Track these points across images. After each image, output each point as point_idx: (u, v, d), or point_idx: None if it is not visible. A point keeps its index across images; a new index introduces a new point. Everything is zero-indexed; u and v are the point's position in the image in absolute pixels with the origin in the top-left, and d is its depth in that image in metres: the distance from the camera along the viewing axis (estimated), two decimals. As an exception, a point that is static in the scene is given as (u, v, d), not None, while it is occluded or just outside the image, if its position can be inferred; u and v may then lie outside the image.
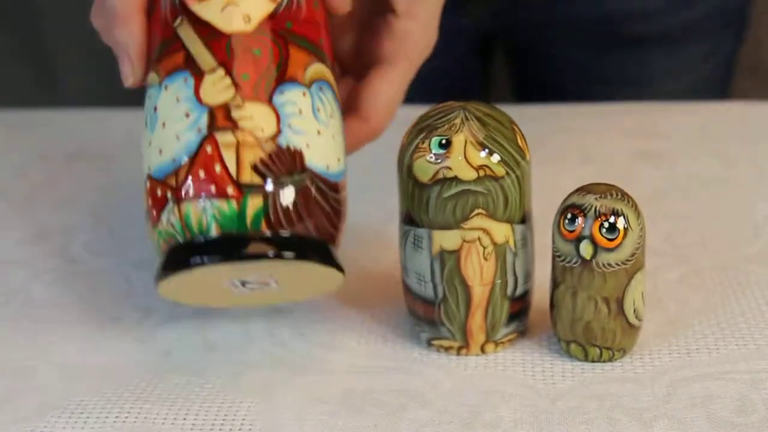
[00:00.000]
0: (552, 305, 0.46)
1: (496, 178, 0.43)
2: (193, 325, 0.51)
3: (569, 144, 0.69)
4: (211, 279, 0.43)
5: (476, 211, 0.43)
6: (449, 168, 0.43)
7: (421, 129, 0.44)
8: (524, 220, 0.45)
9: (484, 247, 0.44)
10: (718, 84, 0.83)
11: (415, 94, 0.72)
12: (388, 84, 0.50)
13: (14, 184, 0.69)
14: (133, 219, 0.63)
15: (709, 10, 0.77)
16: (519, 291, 0.46)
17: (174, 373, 0.47)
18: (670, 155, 0.67)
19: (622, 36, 0.78)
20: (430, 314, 0.46)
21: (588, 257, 0.43)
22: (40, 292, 0.55)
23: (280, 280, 0.44)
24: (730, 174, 0.64)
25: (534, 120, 0.61)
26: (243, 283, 0.44)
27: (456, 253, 0.44)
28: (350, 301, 0.52)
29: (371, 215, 0.61)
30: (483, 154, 0.43)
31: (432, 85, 0.70)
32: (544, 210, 0.49)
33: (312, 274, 0.44)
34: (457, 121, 0.43)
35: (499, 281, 0.45)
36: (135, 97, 0.87)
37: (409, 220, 0.45)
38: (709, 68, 0.81)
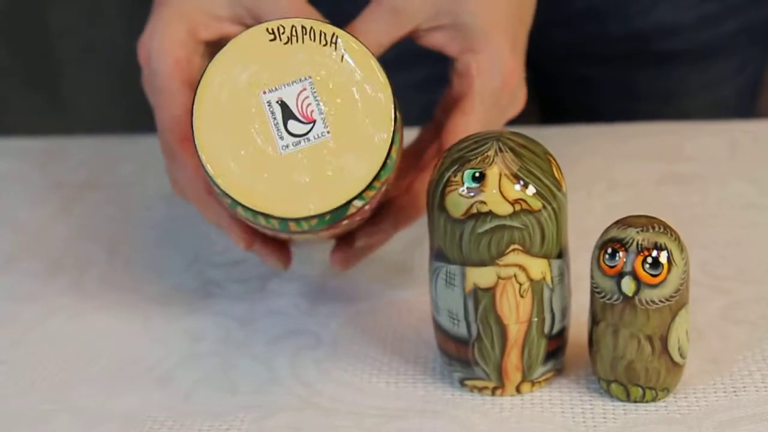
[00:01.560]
0: (591, 343, 0.44)
1: (532, 212, 0.41)
2: (214, 364, 0.49)
3: (595, 168, 0.68)
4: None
5: (512, 247, 0.41)
6: (483, 202, 0.41)
7: (453, 161, 0.42)
8: (561, 254, 0.43)
9: (520, 284, 0.42)
10: (747, 98, 0.81)
11: (426, 120, 0.71)
12: (462, 115, 0.49)
13: (26, 215, 0.67)
14: (149, 251, 0.61)
15: (738, 26, 0.76)
16: (556, 328, 0.44)
17: (196, 417, 0.45)
18: (699, 179, 0.65)
19: (651, 53, 0.76)
20: (463, 353, 0.44)
21: (630, 294, 0.41)
22: (54, 330, 0.53)
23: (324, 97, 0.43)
24: (764, 198, 0.62)
25: (557, 142, 0.60)
26: (285, 116, 0.43)
27: (491, 290, 0.42)
28: (378, 338, 0.50)
29: (395, 243, 0.59)
30: (518, 187, 0.41)
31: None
32: (573, 239, 0.47)
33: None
34: (491, 152, 0.41)
35: (535, 319, 0.43)
36: (146, 123, 0.86)
37: (441, 256, 0.43)
38: (739, 83, 0.79)
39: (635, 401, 0.43)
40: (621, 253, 0.41)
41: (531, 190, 0.41)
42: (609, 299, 0.42)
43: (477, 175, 0.41)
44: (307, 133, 0.42)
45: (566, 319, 0.44)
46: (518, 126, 0.53)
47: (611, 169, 0.68)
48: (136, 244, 0.62)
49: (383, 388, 0.46)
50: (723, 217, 0.60)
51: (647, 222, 0.42)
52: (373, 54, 0.43)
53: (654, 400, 0.43)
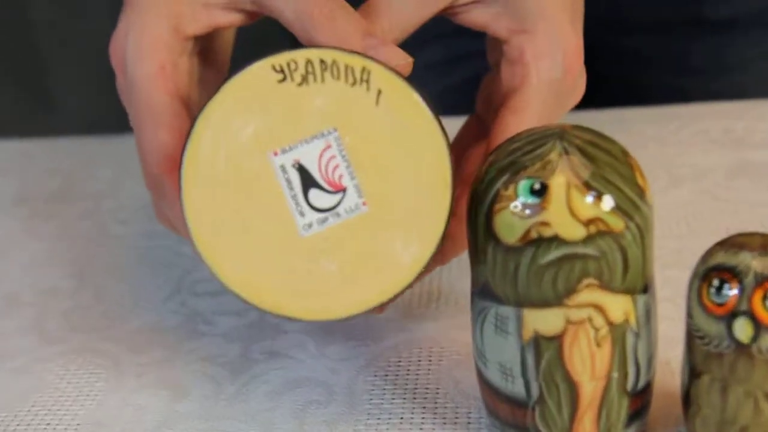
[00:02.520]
0: (688, 401, 0.33)
1: (612, 234, 0.31)
2: (198, 430, 0.39)
3: (651, 160, 0.57)
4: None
5: (585, 282, 0.31)
6: (546, 223, 0.30)
7: (503, 168, 0.31)
8: (647, 287, 0.33)
9: (597, 330, 0.32)
10: None
11: (455, 104, 0.61)
12: (514, 114, 0.38)
13: (-19, 236, 0.58)
14: (124, 278, 0.51)
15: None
16: (641, 383, 0.33)
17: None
18: (778, 168, 0.55)
19: (707, 20, 0.66)
20: (520, 418, 0.34)
21: (746, 340, 0.31)
22: (3, 385, 0.43)
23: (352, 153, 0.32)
24: None
25: (600, 129, 0.49)
26: (305, 184, 0.32)
27: (557, 339, 0.32)
28: (404, 389, 0.40)
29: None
30: (591, 199, 0.30)
31: (458, 98, 0.60)
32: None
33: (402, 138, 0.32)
34: (554, 155, 0.31)
35: (616, 374, 0.32)
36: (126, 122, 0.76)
37: (489, 294, 0.32)
38: None
39: (749, 475, 0.33)
40: (732, 286, 0.31)
41: (608, 203, 0.31)
42: (716, 347, 0.31)
43: (537, 186, 0.30)
44: (336, 205, 0.32)
45: (652, 369, 0.34)
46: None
47: (669, 159, 0.57)
48: (108, 270, 0.52)
49: (415, 459, 0.36)
50: (817, 217, 0.49)
51: (765, 241, 0.31)
52: (415, 88, 0.32)
53: (773, 473, 0.33)
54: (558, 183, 0.30)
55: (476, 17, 0.41)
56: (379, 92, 0.32)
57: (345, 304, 0.33)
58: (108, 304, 0.49)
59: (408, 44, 0.45)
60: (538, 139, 0.32)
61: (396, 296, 0.33)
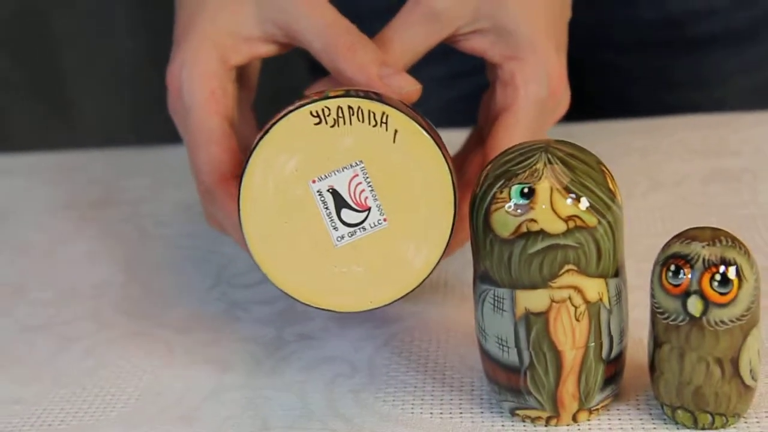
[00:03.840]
0: (653, 367, 0.40)
1: (587, 229, 0.38)
2: (243, 399, 0.46)
3: (633, 168, 0.64)
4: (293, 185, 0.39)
5: (566, 268, 0.38)
6: (534, 220, 0.37)
7: (498, 176, 0.38)
8: (618, 272, 0.40)
9: (576, 307, 0.38)
10: None
11: (457, 115, 0.67)
12: (505, 129, 0.45)
13: (35, 237, 0.64)
14: (168, 272, 0.58)
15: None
16: (614, 352, 0.40)
17: (227, 458, 0.42)
18: (747, 175, 0.62)
19: (686, 37, 0.72)
20: (514, 382, 0.40)
21: (697, 314, 0.38)
22: (70, 364, 0.50)
23: (377, 184, 0.39)
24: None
25: (588, 140, 0.56)
26: (337, 205, 0.39)
27: (544, 315, 0.39)
28: (417, 364, 0.47)
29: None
30: (570, 201, 0.37)
31: (461, 110, 0.66)
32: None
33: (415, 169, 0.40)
34: (540, 165, 0.38)
35: (593, 344, 0.39)
36: (153, 131, 0.82)
37: (488, 279, 0.39)
38: None
39: (703, 428, 0.40)
40: (685, 271, 0.38)
41: (584, 204, 0.38)
42: (674, 320, 0.38)
43: (526, 190, 0.37)
44: (363, 221, 0.39)
45: (624, 341, 0.41)
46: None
47: (650, 167, 0.64)
48: (154, 266, 0.59)
49: (427, 419, 0.43)
50: (778, 217, 0.56)
51: (713, 235, 0.38)
52: (424, 126, 0.40)
53: (724, 426, 0.40)
54: (543, 187, 0.37)
55: (474, 45, 0.48)
56: (396, 132, 0.39)
57: (370, 299, 0.40)
58: (156, 295, 0.56)
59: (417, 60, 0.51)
60: (526, 152, 0.39)
61: (410, 292, 0.40)
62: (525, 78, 0.46)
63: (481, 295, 0.40)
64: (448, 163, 0.39)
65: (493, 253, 0.39)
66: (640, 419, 0.41)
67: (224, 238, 0.57)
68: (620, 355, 0.41)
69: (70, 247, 0.63)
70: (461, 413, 0.43)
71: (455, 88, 0.78)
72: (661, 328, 0.39)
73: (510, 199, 0.38)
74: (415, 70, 0.47)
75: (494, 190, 0.38)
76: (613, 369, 0.41)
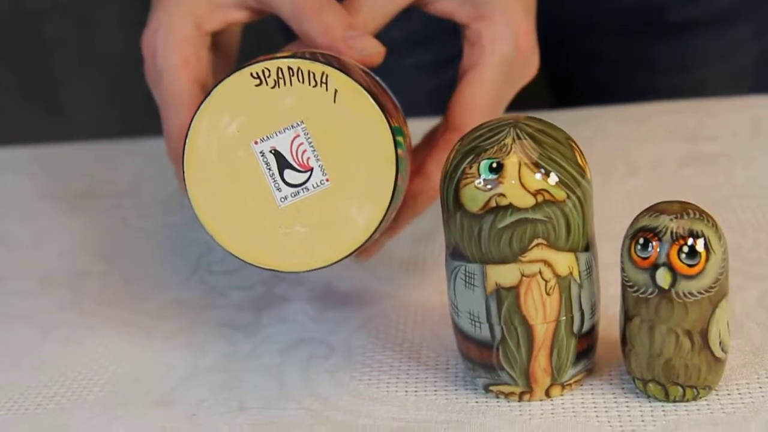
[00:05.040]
0: (624, 340, 0.40)
1: (556, 203, 0.38)
2: (219, 381, 0.46)
3: (612, 151, 0.64)
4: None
5: (535, 242, 0.38)
6: (503, 195, 0.38)
7: (467, 152, 0.39)
8: (588, 246, 0.40)
9: (546, 281, 0.39)
10: (765, 67, 0.78)
11: (444, 104, 0.68)
12: (470, 86, 0.45)
13: (18, 228, 0.64)
14: (147, 262, 0.58)
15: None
16: (586, 326, 0.41)
17: (203, 439, 0.42)
18: (723, 158, 0.62)
19: (669, 22, 0.73)
20: (487, 358, 0.41)
21: (666, 286, 0.38)
22: (49, 352, 0.50)
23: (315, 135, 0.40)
24: (793, 175, 0.59)
25: (570, 125, 0.56)
26: (280, 166, 0.40)
27: (514, 289, 0.39)
28: (393, 344, 0.47)
29: (403, 240, 0.56)
30: (539, 176, 0.38)
31: (445, 98, 0.66)
32: (596, 229, 0.44)
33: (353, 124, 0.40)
34: (508, 140, 0.38)
35: (564, 318, 0.40)
36: (145, 130, 0.83)
37: (459, 254, 0.40)
38: (756, 51, 0.76)
39: (675, 401, 0.40)
40: (654, 243, 0.38)
41: (553, 179, 0.38)
42: (643, 293, 0.39)
43: (494, 165, 0.38)
44: (305, 182, 0.40)
45: (596, 316, 0.41)
46: (528, 110, 0.50)
47: (629, 151, 0.65)
48: (134, 256, 0.59)
49: (402, 397, 0.43)
50: (752, 198, 0.56)
51: (681, 208, 0.38)
52: (367, 85, 0.40)
53: (695, 398, 0.40)
54: (512, 162, 0.38)
55: (443, 6, 0.48)
56: (336, 91, 0.40)
57: (315, 259, 0.40)
58: (135, 284, 0.56)
59: (398, 47, 0.52)
60: (495, 128, 0.39)
61: (354, 252, 0.40)
62: (492, 36, 0.46)
63: (453, 271, 0.40)
64: (388, 121, 0.40)
65: (463, 229, 0.39)
66: (613, 393, 0.41)
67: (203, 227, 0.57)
68: (592, 330, 0.41)
69: (52, 238, 0.63)
70: (436, 390, 0.43)
71: (440, 76, 0.78)
72: (630, 302, 0.39)
73: (479, 175, 0.38)
74: (399, 58, 0.48)
75: (463, 165, 0.39)
76: (586, 343, 0.41)
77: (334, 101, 0.40)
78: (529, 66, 0.50)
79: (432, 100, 0.73)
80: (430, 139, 0.50)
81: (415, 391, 0.43)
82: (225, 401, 0.44)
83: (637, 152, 0.64)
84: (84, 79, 1.42)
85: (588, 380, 0.42)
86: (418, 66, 0.78)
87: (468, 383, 0.43)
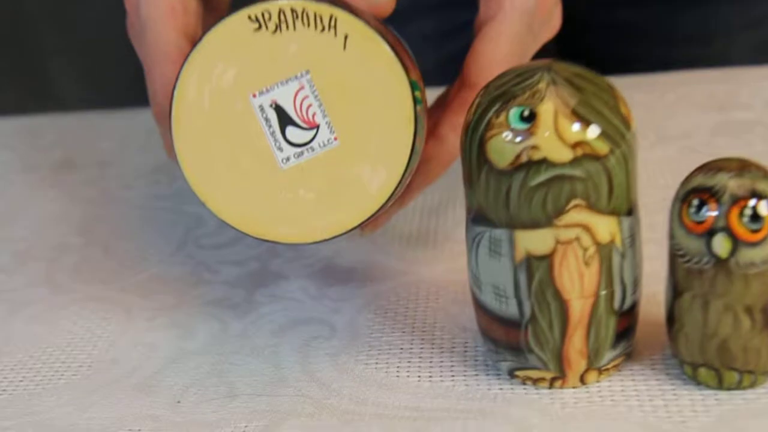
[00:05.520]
0: (672, 319, 0.35)
1: (597, 158, 0.33)
2: (208, 364, 0.41)
3: (640, 122, 0.59)
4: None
5: (573, 203, 0.33)
6: (536, 147, 0.32)
7: (494, 98, 0.33)
8: (631, 210, 0.35)
9: (585, 249, 0.34)
10: None
11: (450, 75, 0.63)
12: (488, 40, 0.40)
13: (-8, 201, 0.59)
14: (131, 235, 0.53)
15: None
16: (627, 303, 0.35)
17: (188, 428, 0.37)
18: (759, 127, 0.57)
19: None
20: (513, 339, 0.36)
21: (724, 255, 0.33)
22: (19, 330, 0.45)
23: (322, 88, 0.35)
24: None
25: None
26: (282, 122, 0.35)
27: (548, 258, 0.34)
28: (403, 324, 0.42)
29: (410, 211, 0.51)
30: (578, 126, 0.32)
31: (455, 69, 0.62)
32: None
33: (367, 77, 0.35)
34: (542, 85, 0.33)
35: (603, 292, 0.34)
36: (129, 100, 0.78)
37: (482, 219, 0.34)
38: None
39: (729, 389, 0.35)
40: (711, 205, 0.33)
41: (594, 130, 0.33)
42: (696, 263, 0.33)
43: (526, 113, 0.33)
44: (311, 141, 0.35)
45: (638, 291, 0.36)
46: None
47: (657, 121, 0.59)
48: (116, 228, 0.54)
49: (415, 384, 0.38)
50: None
51: (741, 165, 0.33)
52: (381, 31, 0.35)
53: (752, 386, 0.35)
54: (546, 109, 0.32)
55: None
56: (346, 37, 0.35)
57: (321, 229, 0.35)
58: (117, 258, 0.51)
59: (402, 15, 0.47)
60: (526, 72, 0.34)
61: (366, 221, 0.35)
62: None
63: (475, 238, 0.35)
64: (407, 73, 0.35)
65: (488, 188, 0.34)
66: (657, 380, 0.36)
67: (194, 196, 0.52)
68: (633, 307, 0.36)
69: (29, 211, 0.57)
70: (453, 376, 0.38)
71: (445, 47, 0.74)
72: (681, 274, 0.34)
73: (508, 125, 0.33)
74: (403, 26, 0.43)
75: (489, 114, 0.33)
76: (626, 322, 0.36)
77: (344, 48, 0.34)
78: (553, 19, 0.45)
79: (439, 70, 0.69)
80: (443, 101, 0.45)
81: (430, 377, 0.38)
82: (213, 387, 0.39)
83: (666, 122, 0.59)
84: (69, 51, 1.38)
85: (627, 365, 0.37)
86: (423, 35, 0.73)
87: (490, 368, 0.38)
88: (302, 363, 0.40)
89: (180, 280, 0.48)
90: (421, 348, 0.40)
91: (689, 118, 0.59)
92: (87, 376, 0.41)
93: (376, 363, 0.39)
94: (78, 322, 0.45)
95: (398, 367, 0.39)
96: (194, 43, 0.36)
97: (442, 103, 0.45)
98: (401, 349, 0.40)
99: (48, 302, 0.47)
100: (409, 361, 0.39)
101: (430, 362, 0.39)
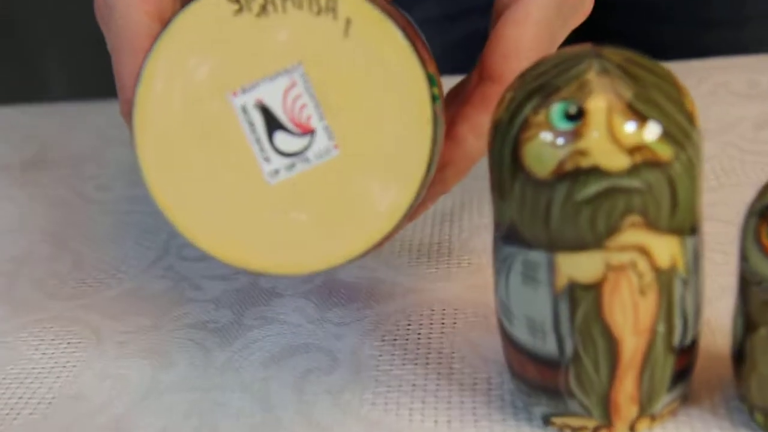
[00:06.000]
0: (741, 357, 0.29)
1: (659, 165, 0.27)
2: (186, 402, 0.35)
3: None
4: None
5: (629, 220, 0.27)
6: (584, 152, 0.26)
7: (532, 91, 0.27)
8: (695, 228, 0.29)
9: (641, 276, 0.28)
10: None
11: (456, 62, 0.58)
12: (512, 25, 0.34)
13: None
14: (105, 243, 0.47)
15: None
16: (688, 338, 0.29)
17: (161, 485, 0.31)
18: (810, 121, 0.51)
19: None
20: (550, 380, 0.30)
21: (814, 284, 0.27)
22: (-29, 358, 0.39)
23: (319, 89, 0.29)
24: None
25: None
26: (269, 126, 0.29)
27: (595, 287, 0.28)
28: (415, 355, 0.36)
29: (425, 218, 0.45)
30: (636, 126, 0.27)
31: (460, 55, 0.56)
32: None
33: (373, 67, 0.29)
34: (591, 75, 0.27)
35: (661, 328, 0.28)
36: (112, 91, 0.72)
37: (515, 237, 0.28)
38: None
39: (811, 441, 0.29)
40: (797, 223, 0.27)
41: (656, 130, 0.27)
42: (777, 293, 0.28)
43: (572, 110, 0.26)
44: (305, 149, 0.29)
45: (700, 323, 0.30)
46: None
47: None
48: (89, 235, 0.48)
49: (431, 429, 0.32)
50: None
51: (833, 173, 0.27)
52: (390, 14, 0.29)
53: (838, 438, 0.29)
54: (597, 106, 0.26)
55: None
56: (348, 21, 0.29)
57: (318, 257, 0.29)
58: (87, 271, 0.45)
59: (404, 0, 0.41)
60: (570, 59, 0.28)
61: (373, 247, 0.29)
62: None
63: (506, 261, 0.29)
64: (423, 65, 0.28)
65: (524, 202, 0.28)
66: (720, 428, 0.30)
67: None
68: (694, 343, 0.30)
69: (-10, 214, 0.52)
70: (476, 420, 0.32)
71: (452, 31, 0.68)
72: (756, 304, 0.28)
73: (549, 124, 0.27)
74: (405, 10, 0.37)
75: (526, 111, 0.27)
76: (686, 360, 0.30)
77: (346, 35, 0.29)
78: (584, 3, 0.39)
79: (444, 57, 0.63)
80: (459, 95, 0.39)
81: (448, 421, 0.32)
82: (193, 429, 0.33)
83: (703, 113, 0.53)
84: (57, 34, 1.33)
85: (684, 409, 0.31)
86: (427, 19, 0.67)
87: (520, 411, 0.32)
88: (298, 402, 0.34)
89: (157, 297, 0.42)
90: (437, 385, 0.34)
91: (729, 109, 0.54)
92: (46, 415, 0.35)
93: (385, 403, 0.33)
94: (40, 348, 0.39)
95: (411, 408, 0.33)
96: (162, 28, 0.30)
97: (456, 98, 0.39)
98: (414, 385, 0.34)
99: (5, 324, 0.41)
100: (423, 401, 0.33)
101: (448, 403, 0.33)
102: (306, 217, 0.29)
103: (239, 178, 0.29)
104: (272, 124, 0.29)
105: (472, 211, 0.45)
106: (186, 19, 0.29)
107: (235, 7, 0.29)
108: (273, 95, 0.29)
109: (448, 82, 0.42)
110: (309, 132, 0.29)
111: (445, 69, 0.53)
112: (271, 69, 0.29)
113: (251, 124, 0.29)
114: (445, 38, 0.68)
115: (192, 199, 0.29)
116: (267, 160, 0.29)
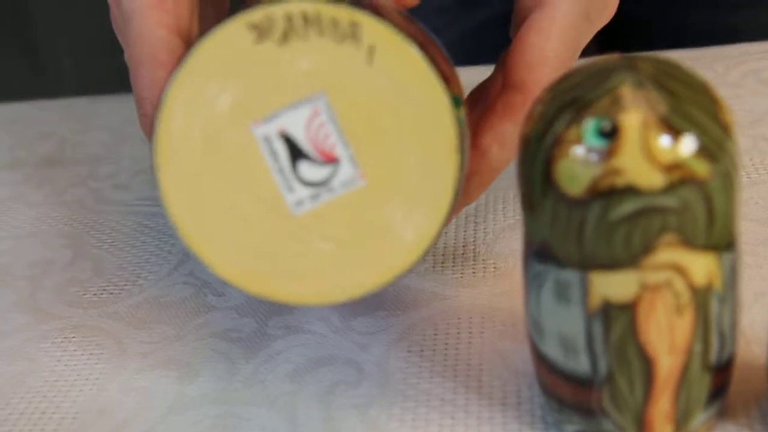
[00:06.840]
0: (781, 375, 0.29)
1: (696, 182, 0.26)
2: (211, 416, 0.34)
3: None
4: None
5: (665, 239, 0.26)
6: (619, 171, 0.26)
7: (563, 106, 0.27)
8: (732, 243, 0.28)
9: (677, 296, 0.27)
10: None
11: (470, 52, 0.58)
12: (537, 31, 0.33)
13: (-30, 205, 0.53)
14: (124, 247, 0.46)
15: None
16: (725, 355, 0.29)
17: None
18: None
19: None
20: (583, 399, 0.29)
21: None
22: (-7, 370, 0.39)
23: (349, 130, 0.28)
24: None
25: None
26: (292, 156, 0.28)
27: (630, 307, 0.27)
28: (443, 367, 0.35)
29: (452, 222, 0.44)
30: (671, 142, 0.26)
31: (476, 44, 0.55)
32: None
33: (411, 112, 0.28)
34: (625, 89, 0.26)
35: (698, 348, 0.28)
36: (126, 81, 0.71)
37: (546, 255, 0.28)
38: None
39: None
40: (840, 240, 0.26)
41: (690, 146, 0.26)
42: (819, 312, 0.27)
43: (606, 126, 0.26)
44: (329, 179, 0.29)
45: (736, 339, 0.29)
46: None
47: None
48: (107, 239, 0.47)
49: (460, 446, 0.31)
50: None
51: None
52: (414, 37, 0.28)
53: None
54: (631, 123, 0.26)
55: None
56: (371, 49, 0.28)
57: (343, 287, 0.29)
58: (107, 276, 0.44)
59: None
60: (602, 71, 0.27)
61: (399, 276, 0.29)
62: None
63: (537, 278, 0.28)
64: (447, 88, 0.28)
65: (556, 220, 0.27)
66: (758, 446, 0.30)
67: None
68: (731, 360, 0.29)
69: (6, 216, 0.51)
70: (507, 438, 0.31)
71: (467, 19, 0.67)
72: (797, 323, 0.27)
73: (582, 141, 0.26)
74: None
75: (557, 127, 0.26)
76: (722, 378, 0.29)
77: (369, 62, 0.28)
78: (609, 5, 0.38)
79: (459, 46, 0.62)
80: (480, 99, 0.38)
81: (478, 438, 0.32)
82: (217, 448, 0.33)
83: (733, 104, 0.52)
84: (65, 26, 1.32)
85: (720, 425, 0.31)
86: (443, 7, 0.66)
87: (550, 427, 0.31)
88: (324, 418, 0.33)
89: (180, 304, 0.41)
90: (466, 399, 0.33)
91: (758, 99, 0.52)
92: (72, 428, 0.35)
93: (413, 419, 0.33)
94: (62, 359, 0.39)
95: (440, 424, 0.32)
96: (188, 48, 0.29)
97: (479, 101, 0.38)
98: (442, 400, 0.33)
99: (26, 333, 0.41)
100: (452, 417, 0.33)
101: (478, 418, 0.32)
102: (330, 247, 0.28)
103: (263, 209, 0.28)
104: (296, 153, 0.28)
105: (497, 211, 0.45)
106: (206, 47, 0.28)
107: (256, 35, 0.28)
108: (296, 124, 0.28)
109: (466, 73, 0.41)
110: (333, 161, 0.28)
111: (462, 57, 0.52)
112: (293, 98, 0.28)
113: (274, 154, 0.28)
114: (462, 26, 0.67)
115: (215, 229, 0.29)
116: (291, 190, 0.28)
